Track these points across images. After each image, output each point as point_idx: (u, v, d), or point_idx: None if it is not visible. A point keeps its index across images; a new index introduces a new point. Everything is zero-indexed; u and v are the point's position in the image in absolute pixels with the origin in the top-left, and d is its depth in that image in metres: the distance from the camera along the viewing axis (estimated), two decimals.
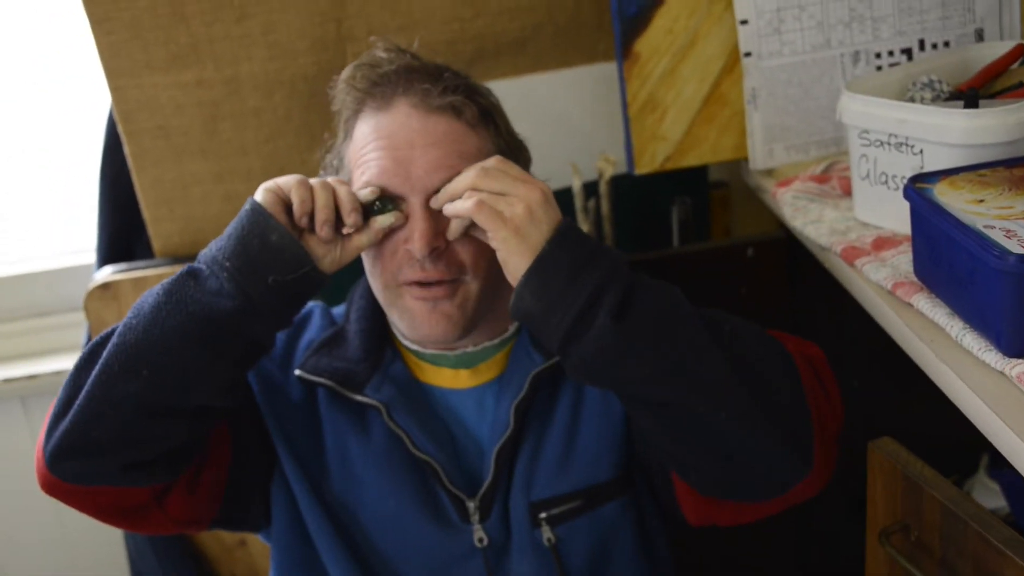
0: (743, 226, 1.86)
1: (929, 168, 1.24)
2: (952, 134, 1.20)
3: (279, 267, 1.13)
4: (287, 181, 1.18)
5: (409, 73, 1.25)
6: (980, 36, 1.53)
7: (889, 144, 1.28)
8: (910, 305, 1.18)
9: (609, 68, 1.70)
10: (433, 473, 1.29)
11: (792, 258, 1.68)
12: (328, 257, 1.18)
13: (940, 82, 1.36)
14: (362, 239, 1.19)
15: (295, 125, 1.71)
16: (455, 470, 1.29)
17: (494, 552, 1.30)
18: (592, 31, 1.72)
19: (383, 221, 1.20)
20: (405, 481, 1.29)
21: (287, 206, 1.17)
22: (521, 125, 1.36)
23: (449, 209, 1.17)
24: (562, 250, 1.11)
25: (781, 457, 1.15)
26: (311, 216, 1.17)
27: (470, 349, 1.32)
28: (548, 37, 1.71)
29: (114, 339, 1.14)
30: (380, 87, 1.25)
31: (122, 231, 1.82)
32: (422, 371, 1.34)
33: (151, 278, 1.72)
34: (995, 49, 1.42)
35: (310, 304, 1.42)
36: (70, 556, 2.16)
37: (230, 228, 1.16)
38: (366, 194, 1.20)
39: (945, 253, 1.10)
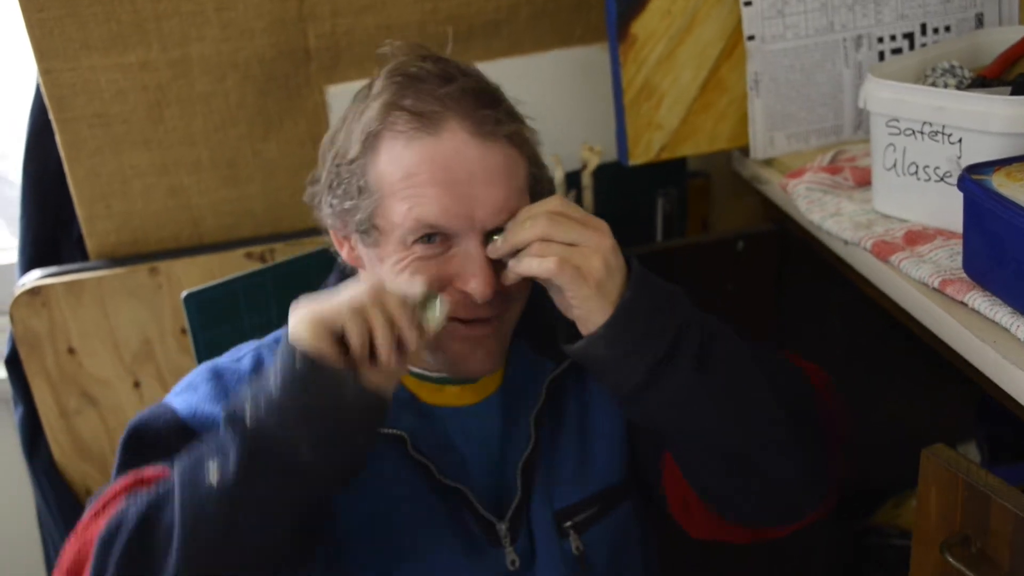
0: (722, 219, 1.78)
1: (968, 159, 1.18)
2: (997, 122, 1.14)
3: (363, 428, 1.00)
4: (337, 313, 0.98)
5: (467, 95, 1.09)
6: (980, 21, 1.48)
7: (922, 133, 1.22)
8: (963, 304, 1.11)
9: (587, 52, 1.61)
10: (463, 500, 1.17)
11: (782, 252, 1.61)
12: (389, 383, 1.02)
13: (961, 68, 1.31)
14: (416, 347, 1.03)
15: (249, 112, 1.56)
16: (482, 493, 1.19)
17: (524, 573, 1.19)
18: (570, 13, 1.61)
19: (436, 323, 1.04)
20: (433, 513, 1.17)
21: (340, 340, 0.99)
22: None
23: (523, 268, 1.06)
24: (640, 300, 1.06)
25: (808, 487, 1.18)
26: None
27: None
28: (524, 19, 1.60)
29: (176, 544, 0.98)
30: (429, 105, 1.08)
31: (48, 229, 1.65)
32: (426, 392, 1.22)
33: (87, 282, 1.56)
34: (1004, 35, 1.38)
35: (249, 349, 1.23)
36: None
37: (286, 389, 0.97)
38: (416, 294, 1.03)
39: (1012, 250, 1.04)
